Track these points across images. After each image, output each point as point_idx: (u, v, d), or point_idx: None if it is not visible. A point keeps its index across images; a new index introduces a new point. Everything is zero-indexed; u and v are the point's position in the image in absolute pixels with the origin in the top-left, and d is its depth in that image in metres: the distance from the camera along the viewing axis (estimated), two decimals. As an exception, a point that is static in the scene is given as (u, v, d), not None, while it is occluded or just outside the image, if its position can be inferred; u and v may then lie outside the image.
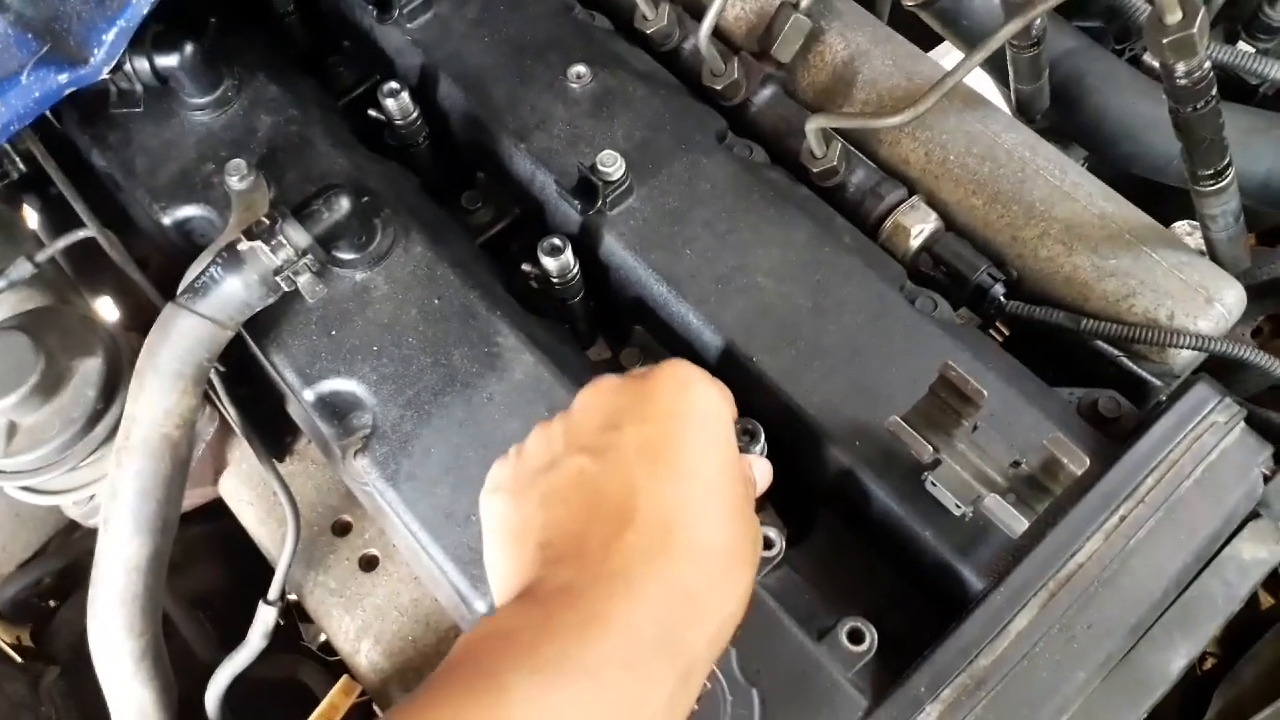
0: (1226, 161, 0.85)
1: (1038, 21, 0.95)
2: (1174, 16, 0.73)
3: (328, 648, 1.17)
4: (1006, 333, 1.03)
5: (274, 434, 1.06)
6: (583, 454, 0.56)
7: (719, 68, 1.04)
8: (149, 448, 0.83)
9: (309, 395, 0.88)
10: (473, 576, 0.79)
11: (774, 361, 0.86)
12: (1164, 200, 1.25)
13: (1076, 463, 0.71)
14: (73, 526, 1.21)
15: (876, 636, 0.74)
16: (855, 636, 0.74)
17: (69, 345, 0.91)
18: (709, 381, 0.61)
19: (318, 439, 0.93)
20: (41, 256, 0.99)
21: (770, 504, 0.94)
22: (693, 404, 0.58)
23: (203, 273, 0.84)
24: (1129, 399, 0.89)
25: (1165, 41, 0.74)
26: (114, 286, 1.14)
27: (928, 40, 1.47)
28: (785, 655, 0.73)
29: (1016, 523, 0.71)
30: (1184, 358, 0.93)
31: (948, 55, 1.40)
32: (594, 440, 0.56)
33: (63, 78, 0.77)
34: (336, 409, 0.88)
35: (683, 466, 0.55)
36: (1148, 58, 1.22)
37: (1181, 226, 1.17)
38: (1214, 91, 0.78)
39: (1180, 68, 0.76)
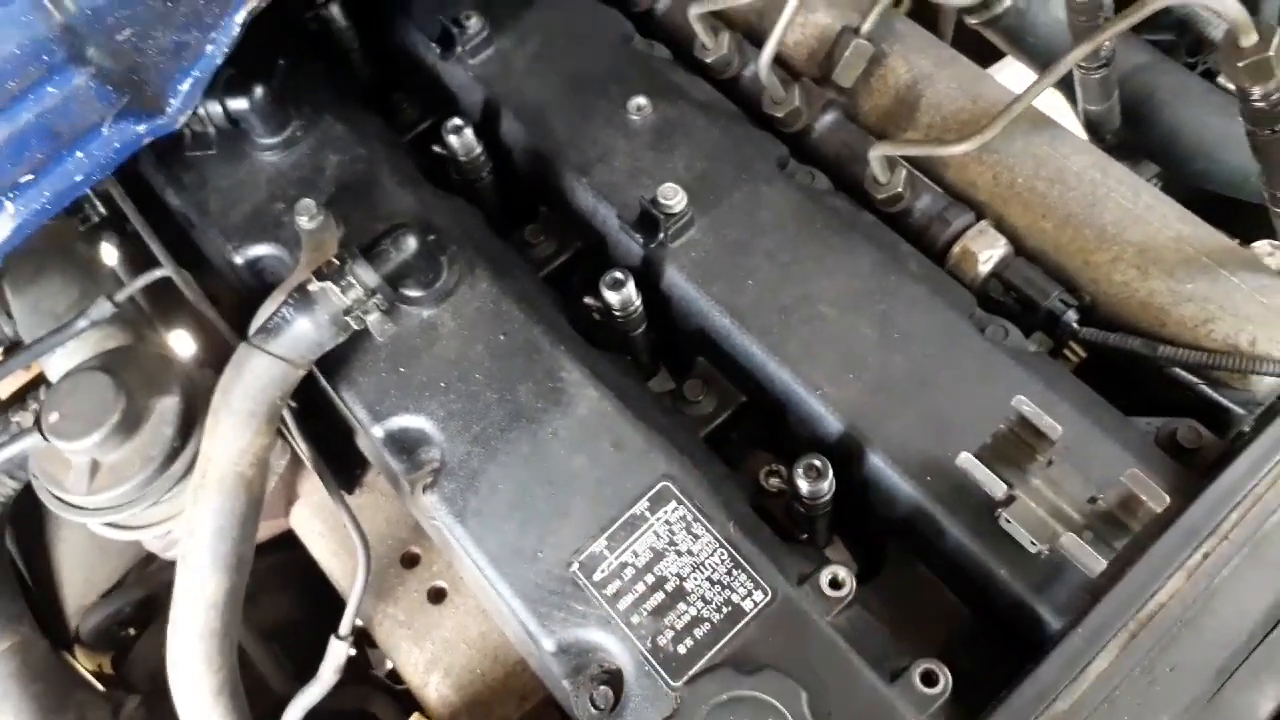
0: (1310, 183, 0.82)
1: (1106, 43, 0.93)
2: (1249, 39, 0.71)
3: (395, 675, 1.18)
4: (1083, 354, 1.01)
5: (344, 467, 1.08)
6: None
7: (779, 95, 1.03)
8: (224, 486, 0.85)
9: (378, 431, 0.89)
10: (539, 614, 0.79)
11: (840, 393, 0.85)
12: (1241, 217, 1.22)
13: (1156, 500, 0.70)
14: (151, 557, 1.24)
15: (950, 679, 0.73)
16: (929, 679, 0.73)
17: (148, 384, 0.94)
18: None
19: (387, 473, 0.95)
20: (121, 296, 1.02)
21: (839, 539, 0.93)
22: None
23: (275, 313, 0.86)
24: (1209, 428, 0.86)
25: (1241, 65, 0.72)
26: (189, 323, 1.17)
27: (990, 55, 1.45)
28: (857, 697, 0.72)
29: (1095, 562, 0.70)
30: (1267, 384, 0.90)
31: (1006, 69, 1.38)
32: None
33: (141, 128, 0.80)
34: (405, 444, 0.89)
35: None
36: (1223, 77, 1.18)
37: (1262, 247, 1.14)
38: (1295, 113, 0.76)
39: (1257, 91, 0.74)
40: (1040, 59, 1.15)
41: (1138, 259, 0.94)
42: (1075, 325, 0.93)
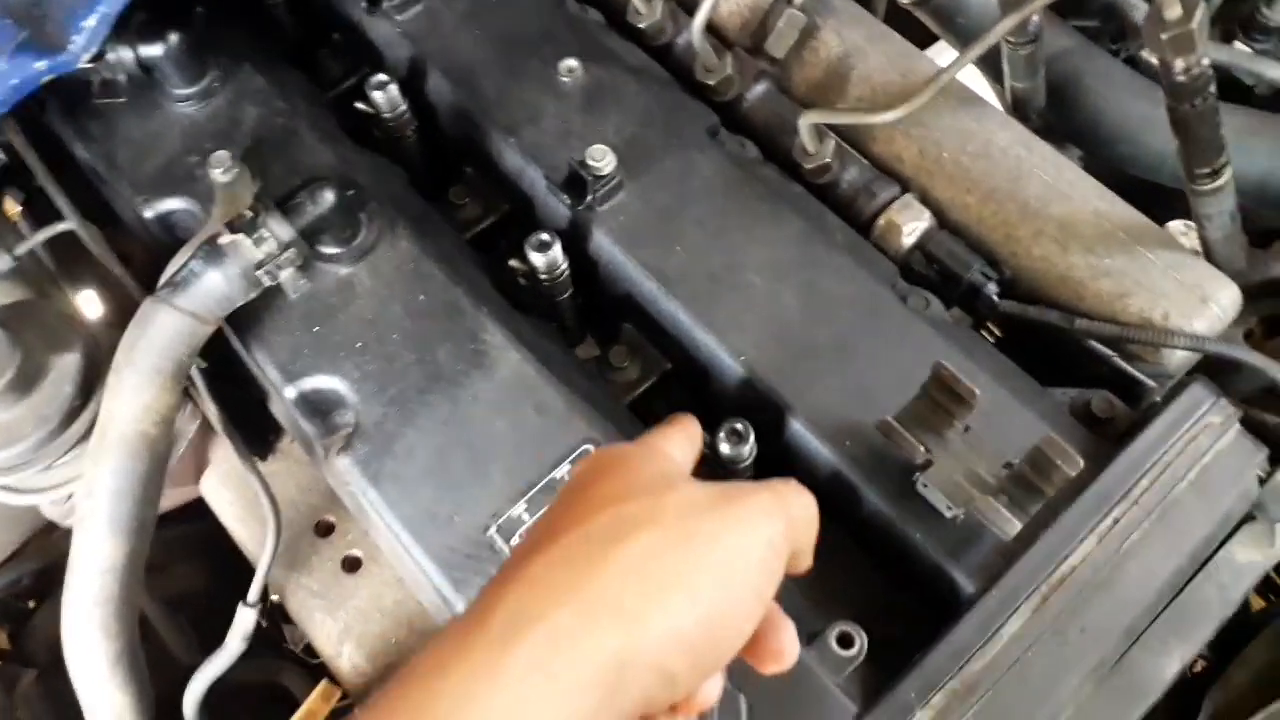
0: (1224, 160, 0.84)
1: (1034, 18, 0.94)
2: (1173, 12, 0.72)
3: (311, 650, 1.15)
4: (999, 334, 1.02)
5: (257, 432, 1.05)
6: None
7: (712, 63, 1.02)
8: (125, 445, 0.81)
9: (291, 392, 0.86)
10: (455, 579, 0.77)
11: (764, 360, 0.85)
12: (1159, 201, 1.24)
13: (1070, 464, 0.70)
14: (51, 526, 1.19)
15: (866, 641, 0.73)
16: (845, 641, 0.73)
17: (46, 340, 0.90)
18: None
19: (300, 437, 0.92)
20: (20, 249, 0.98)
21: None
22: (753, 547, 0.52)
23: (183, 266, 0.82)
24: (1123, 400, 0.88)
25: (1164, 37, 0.73)
26: (96, 281, 1.12)
27: (923, 41, 1.46)
28: (773, 659, 0.72)
29: (1009, 525, 0.70)
30: (1178, 358, 0.92)
31: (943, 55, 1.39)
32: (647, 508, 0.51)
33: (41, 65, 0.76)
34: (319, 407, 0.87)
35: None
36: (1145, 54, 1.21)
37: (1176, 226, 1.17)
38: (1212, 89, 0.77)
39: (1179, 64, 0.75)
40: (969, 40, 1.16)
41: (1058, 234, 0.95)
42: (995, 297, 0.94)
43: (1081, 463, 0.70)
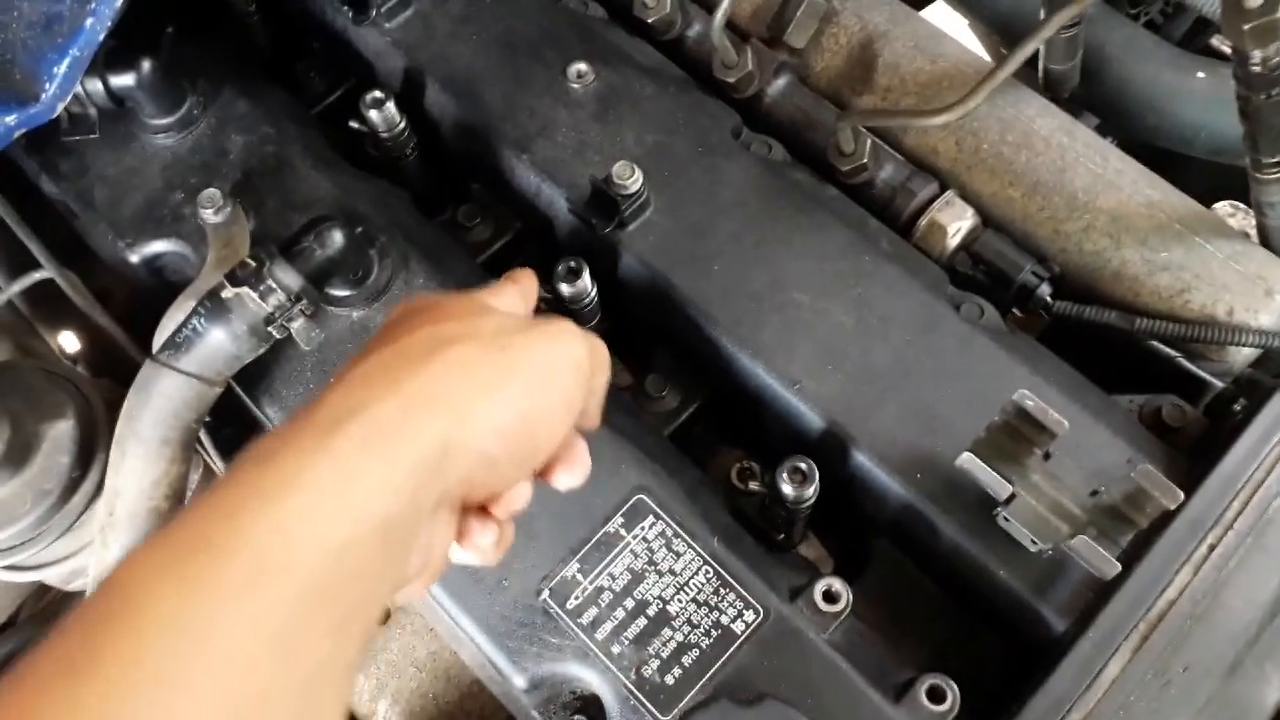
0: (1293, 148, 0.79)
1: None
2: (1255, 1, 0.66)
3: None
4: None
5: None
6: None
7: (731, 59, 0.95)
8: (136, 523, 0.74)
9: (310, 451, 0.79)
10: (509, 649, 0.71)
11: (819, 388, 0.79)
12: (1183, 171, 1.20)
13: (1169, 497, 0.66)
14: (45, 588, 1.12)
15: (958, 693, 0.68)
16: (936, 695, 0.68)
17: (35, 407, 0.82)
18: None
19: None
20: (-4, 303, 0.90)
21: (813, 533, 0.88)
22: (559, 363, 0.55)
23: (184, 325, 0.75)
24: (1184, 398, 0.84)
25: (1246, 28, 0.67)
26: (75, 324, 1.04)
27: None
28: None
29: (1108, 566, 0.66)
30: (1244, 354, 0.87)
31: (945, 19, 1.33)
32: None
33: (11, 119, 0.68)
34: (341, 462, 0.80)
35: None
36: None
37: (1223, 208, 1.12)
38: (1291, 77, 0.72)
39: (1257, 54, 0.70)
40: (990, 16, 1.11)
41: (1110, 227, 0.90)
42: (1049, 298, 0.89)
43: (1181, 495, 0.65)
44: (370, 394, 0.47)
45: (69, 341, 1.06)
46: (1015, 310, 0.92)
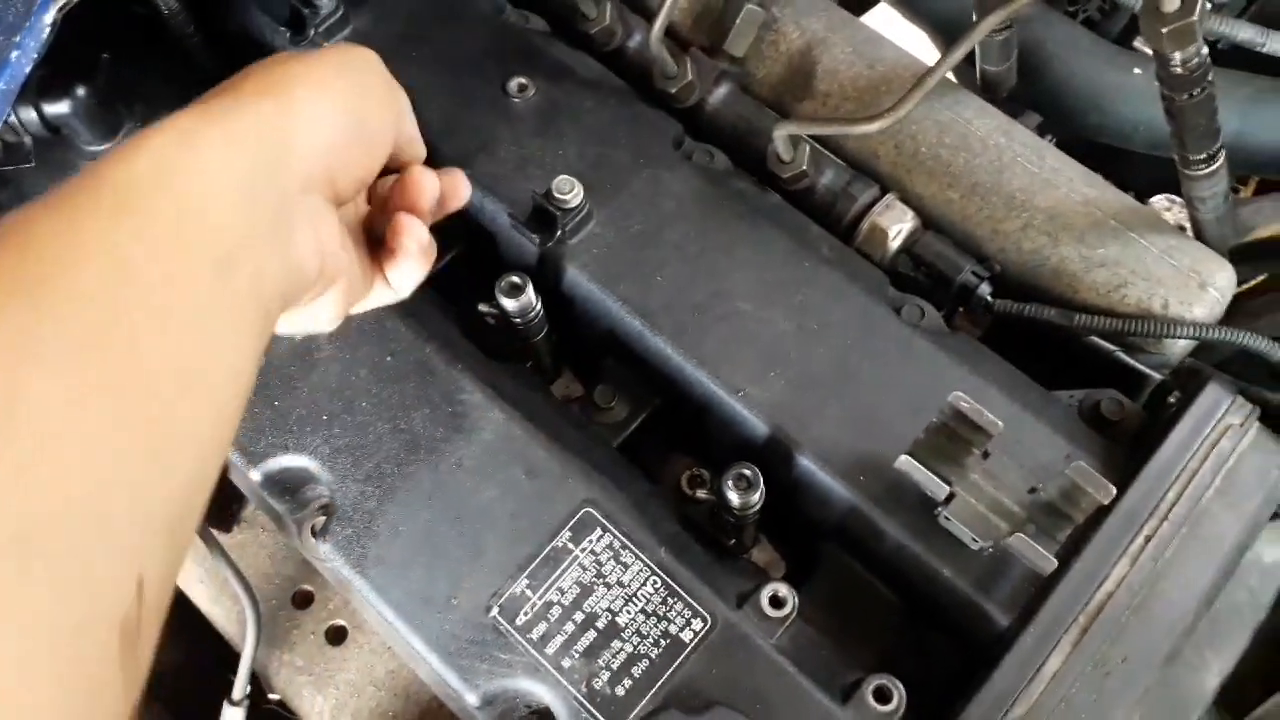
0: (1219, 145, 0.81)
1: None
2: (1172, 5, 0.67)
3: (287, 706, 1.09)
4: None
5: (217, 504, 0.98)
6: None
7: (671, 69, 0.96)
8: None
9: (256, 475, 0.79)
10: (460, 668, 0.71)
11: (763, 394, 0.80)
12: (1123, 165, 1.22)
13: (1103, 492, 0.67)
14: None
15: (904, 693, 0.69)
16: (882, 695, 0.69)
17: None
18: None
19: (269, 513, 0.85)
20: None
21: (764, 538, 0.89)
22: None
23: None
24: (1125, 391, 0.85)
25: (1165, 31, 0.69)
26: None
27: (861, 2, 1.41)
28: (810, 723, 0.68)
29: (1046, 562, 0.67)
30: (1180, 346, 0.89)
31: (884, 22, 1.34)
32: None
33: (-65, 154, 0.67)
34: (287, 485, 0.80)
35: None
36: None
37: (1159, 202, 1.14)
38: (1210, 77, 0.73)
39: (1177, 56, 0.71)
40: (932, 17, 1.12)
41: (1048, 225, 0.91)
42: (989, 298, 0.91)
43: (1114, 490, 0.67)
44: (201, 102, 0.52)
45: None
46: (963, 310, 0.94)
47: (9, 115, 0.82)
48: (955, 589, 0.73)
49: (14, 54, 0.66)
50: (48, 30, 0.67)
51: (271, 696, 1.18)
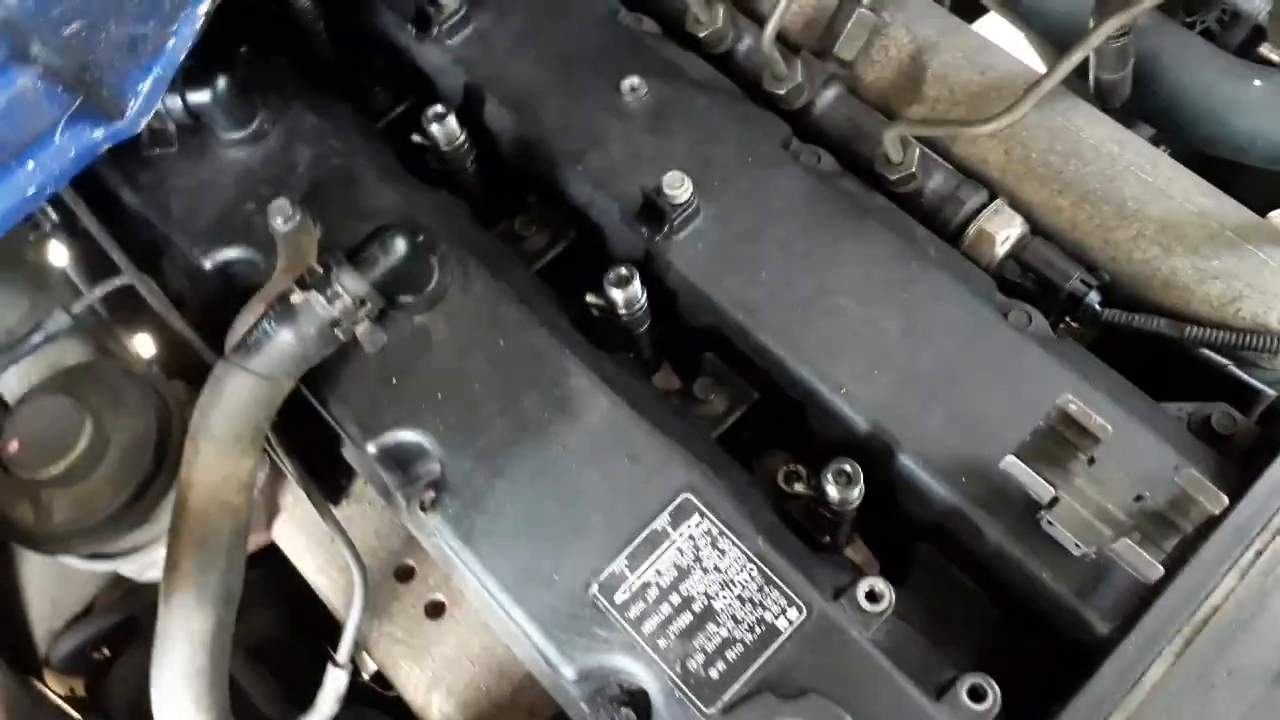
0: (1347, 156, 0.79)
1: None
2: (1304, 8, 0.66)
3: (383, 680, 1.13)
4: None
5: (328, 477, 1.02)
6: None
7: (781, 71, 0.97)
8: (207, 517, 0.78)
9: (372, 448, 0.83)
10: (559, 641, 0.74)
11: (865, 392, 0.81)
12: (1237, 181, 1.19)
13: (1214, 502, 0.66)
14: (119, 578, 1.17)
15: (999, 693, 0.69)
16: (977, 694, 0.69)
17: (114, 405, 0.87)
18: None
19: (379, 487, 0.89)
20: (78, 307, 0.95)
21: (859, 537, 0.89)
22: None
23: (254, 327, 0.79)
24: (1237, 407, 0.83)
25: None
26: (151, 328, 1.09)
27: (970, 10, 1.40)
28: (903, 718, 0.68)
29: (1151, 570, 0.66)
30: (1297, 363, 0.87)
31: (995, 29, 1.33)
32: None
33: (98, 134, 0.72)
34: (400, 460, 0.84)
35: None
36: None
37: (1279, 217, 1.11)
38: (1342, 84, 0.72)
39: (1308, 61, 0.70)
40: (1045, 27, 1.11)
41: (1160, 235, 0.90)
42: (1098, 307, 0.90)
43: (1225, 500, 0.66)
44: None
45: (145, 344, 1.11)
46: (1068, 320, 0.93)
47: (158, 103, 0.88)
48: (1054, 594, 0.73)
49: (171, 42, 0.70)
50: (202, 20, 0.72)
51: (369, 666, 1.22)
